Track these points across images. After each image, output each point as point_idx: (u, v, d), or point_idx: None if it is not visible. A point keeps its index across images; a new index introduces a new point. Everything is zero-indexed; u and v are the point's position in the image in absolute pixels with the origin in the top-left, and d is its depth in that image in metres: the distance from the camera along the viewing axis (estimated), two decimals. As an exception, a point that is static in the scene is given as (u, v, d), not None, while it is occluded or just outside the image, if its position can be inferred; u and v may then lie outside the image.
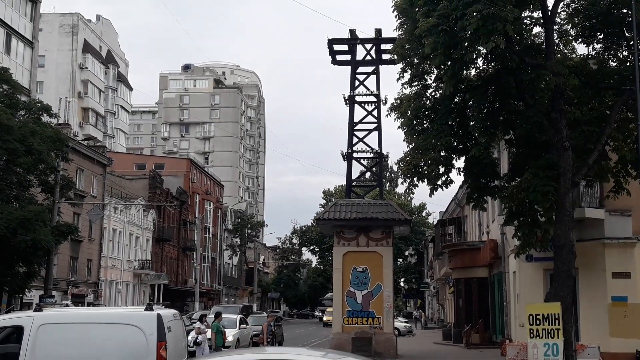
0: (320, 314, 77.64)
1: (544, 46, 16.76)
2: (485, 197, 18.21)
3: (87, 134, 68.19)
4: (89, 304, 49.00)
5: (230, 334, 26.75)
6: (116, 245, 55.23)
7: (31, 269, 32.30)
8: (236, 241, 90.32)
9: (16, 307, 37.39)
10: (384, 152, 30.65)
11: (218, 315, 22.06)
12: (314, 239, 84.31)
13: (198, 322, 22.37)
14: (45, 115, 33.06)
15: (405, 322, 51.72)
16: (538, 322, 14.82)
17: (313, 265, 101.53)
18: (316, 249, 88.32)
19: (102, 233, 51.48)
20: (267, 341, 20.40)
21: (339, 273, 26.48)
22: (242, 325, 28.61)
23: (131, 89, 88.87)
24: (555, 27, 17.34)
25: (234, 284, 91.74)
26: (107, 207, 50.25)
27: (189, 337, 22.53)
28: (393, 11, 16.86)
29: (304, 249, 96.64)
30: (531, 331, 14.92)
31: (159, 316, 10.07)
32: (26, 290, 33.68)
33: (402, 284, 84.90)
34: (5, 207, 29.49)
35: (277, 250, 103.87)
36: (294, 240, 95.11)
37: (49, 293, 35.80)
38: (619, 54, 17.98)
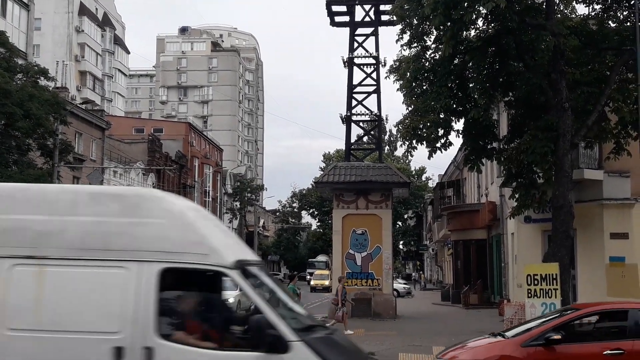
0: (308, 277, 69.67)
1: (544, 6, 16.62)
2: (482, 159, 18.23)
3: (85, 97, 67.71)
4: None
5: (232, 295, 27.01)
6: (116, 209, 55.40)
7: (32, 232, 32.42)
8: (236, 205, 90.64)
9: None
10: (383, 115, 30.53)
11: (293, 277, 22.33)
12: (314, 202, 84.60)
13: None
14: (42, 78, 32.90)
15: (405, 283, 52.21)
16: (536, 282, 14.96)
17: (313, 228, 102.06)
18: (315, 213, 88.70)
19: (102, 197, 51.58)
20: (342, 303, 20.40)
21: (339, 235, 26.65)
22: (242, 287, 28.92)
23: (128, 52, 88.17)
24: (556, -14, 17.16)
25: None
26: (106, 171, 50.32)
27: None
28: (392, -29, 16.69)
29: (303, 213, 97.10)
30: (529, 291, 15.07)
31: None
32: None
33: (401, 247, 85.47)
34: (4, 171, 29.53)
35: (277, 214, 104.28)
36: (294, 204, 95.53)
37: (51, 256, 36.06)
38: (619, 14, 17.83)
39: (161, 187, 63.05)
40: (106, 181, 50.82)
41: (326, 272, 64.84)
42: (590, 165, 20.82)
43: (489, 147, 17.93)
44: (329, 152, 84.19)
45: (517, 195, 17.51)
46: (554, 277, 14.71)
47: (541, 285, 14.85)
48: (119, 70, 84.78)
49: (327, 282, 55.13)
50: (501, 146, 18.28)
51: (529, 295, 15.06)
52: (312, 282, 59.75)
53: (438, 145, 17.40)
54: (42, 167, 33.92)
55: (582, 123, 16.45)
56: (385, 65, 28.29)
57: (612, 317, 10.07)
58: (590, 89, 16.53)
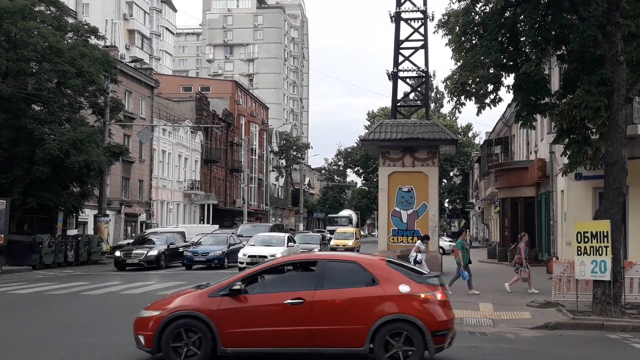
0: (328, 236, 54.74)
1: (600, -45, 16.02)
2: (534, 115, 17.91)
3: (134, 56, 68.49)
4: (141, 224, 50.63)
5: (279, 251, 27.48)
6: (166, 166, 56.43)
7: (85, 188, 33.39)
8: (282, 163, 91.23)
9: (71, 226, 38.91)
10: (430, 71, 30.06)
11: (462, 232, 22.38)
12: (359, 160, 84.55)
13: (419, 242, 21.68)
14: (92, 37, 33.37)
15: (450, 241, 52.06)
16: (586, 239, 14.81)
17: (358, 186, 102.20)
18: (361, 171, 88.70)
19: (152, 154, 52.54)
20: (526, 260, 20.33)
21: (385, 193, 26.64)
22: (290, 243, 29.32)
23: (175, 10, 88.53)
24: None
25: (280, 204, 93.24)
26: (155, 129, 51.07)
27: (411, 255, 21.03)
28: None
29: (348, 171, 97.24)
30: (579, 249, 14.93)
31: None
32: (80, 209, 34.94)
33: (446, 205, 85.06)
34: (57, 129, 30.30)
35: (323, 172, 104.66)
36: (340, 162, 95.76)
37: (103, 212, 37.08)
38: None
39: (209, 144, 63.80)
40: (156, 139, 51.69)
41: (351, 229, 54.59)
42: (645, 121, 20.27)
43: (541, 102, 17.57)
44: (373, 111, 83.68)
45: (569, 152, 17.17)
46: (605, 234, 14.53)
47: (591, 242, 14.70)
48: (167, 28, 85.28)
49: (350, 242, 46.41)
50: (552, 101, 17.89)
51: (579, 252, 14.92)
52: (332, 242, 47.13)
53: (487, 101, 17.13)
54: (93, 124, 34.65)
55: (637, 77, 16.00)
56: (433, 19, 27.84)
57: (305, 268, 10.23)
58: (647, 41, 15.99)
